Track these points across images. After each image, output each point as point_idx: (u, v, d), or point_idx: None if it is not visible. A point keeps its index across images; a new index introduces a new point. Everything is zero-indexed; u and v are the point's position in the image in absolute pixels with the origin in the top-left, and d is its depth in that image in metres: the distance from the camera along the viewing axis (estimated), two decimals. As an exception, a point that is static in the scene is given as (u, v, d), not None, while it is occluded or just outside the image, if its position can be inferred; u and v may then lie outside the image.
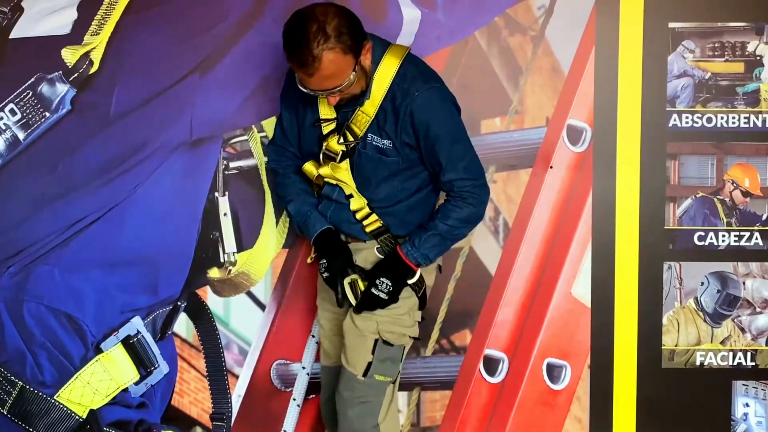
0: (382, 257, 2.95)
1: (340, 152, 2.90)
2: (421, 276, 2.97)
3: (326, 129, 2.90)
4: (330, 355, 3.15)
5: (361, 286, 2.93)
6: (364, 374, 2.95)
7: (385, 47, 2.84)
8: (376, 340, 2.95)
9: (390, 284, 2.90)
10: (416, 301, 2.99)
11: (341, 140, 2.88)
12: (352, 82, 2.73)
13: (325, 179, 2.96)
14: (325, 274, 2.98)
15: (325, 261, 2.97)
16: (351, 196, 2.95)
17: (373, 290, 2.90)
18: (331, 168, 2.93)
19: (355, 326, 2.96)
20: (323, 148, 2.92)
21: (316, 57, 2.63)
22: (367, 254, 2.99)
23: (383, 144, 2.86)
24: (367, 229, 2.96)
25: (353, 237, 3.00)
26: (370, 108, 2.83)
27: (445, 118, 2.85)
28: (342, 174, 2.93)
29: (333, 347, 3.13)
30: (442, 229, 2.89)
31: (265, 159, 3.31)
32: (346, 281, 2.93)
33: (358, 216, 2.96)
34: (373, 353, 2.95)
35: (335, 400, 3.03)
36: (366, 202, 2.94)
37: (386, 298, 2.90)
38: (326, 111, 2.89)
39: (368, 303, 2.92)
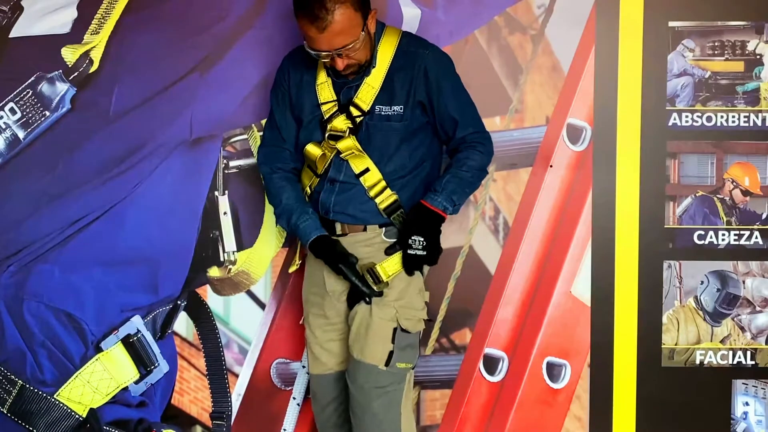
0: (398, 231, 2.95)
1: (347, 129, 2.91)
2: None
3: (328, 112, 2.91)
4: (323, 362, 3.10)
5: (381, 272, 2.93)
6: (386, 364, 2.94)
7: (383, 26, 2.93)
8: (395, 329, 2.94)
9: (423, 240, 2.89)
10: (422, 280, 3.00)
11: (347, 117, 2.90)
12: (361, 44, 2.77)
13: (341, 154, 2.93)
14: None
15: (330, 263, 2.97)
16: (364, 172, 2.94)
17: (409, 252, 2.90)
18: (351, 139, 2.93)
19: (370, 318, 2.93)
20: (327, 130, 2.92)
21: (329, 10, 2.68)
22: (369, 248, 2.97)
23: (393, 111, 2.90)
24: (381, 206, 2.95)
25: (354, 222, 2.98)
26: (376, 78, 2.88)
27: (455, 76, 2.96)
28: (359, 146, 2.94)
29: (328, 354, 3.09)
30: (459, 174, 2.93)
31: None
32: (362, 272, 2.93)
33: (372, 192, 2.94)
34: (393, 342, 2.94)
35: (352, 399, 2.99)
36: (380, 176, 2.94)
37: (424, 253, 2.90)
38: (326, 94, 2.91)
39: (411, 264, 2.92)
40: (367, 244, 2.98)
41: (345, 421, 3.11)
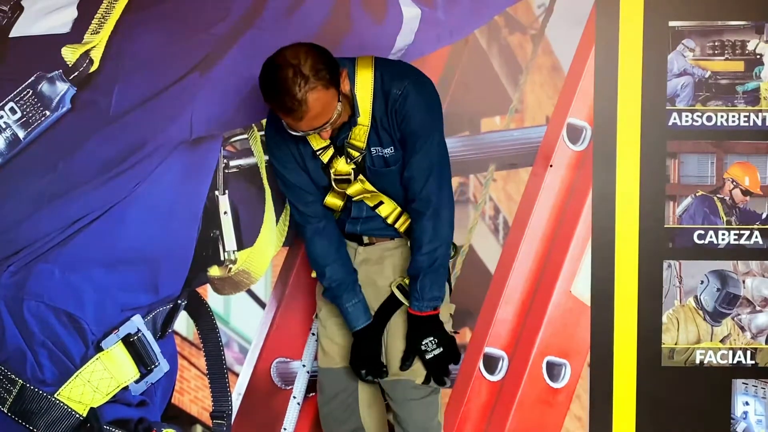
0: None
1: (351, 171, 2.89)
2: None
3: (325, 157, 2.88)
4: (332, 356, 3.11)
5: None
6: (425, 381, 2.97)
7: (354, 62, 2.84)
8: None
9: (433, 339, 2.91)
10: (446, 292, 3.02)
11: (348, 160, 2.88)
12: (340, 113, 2.73)
13: (354, 198, 2.94)
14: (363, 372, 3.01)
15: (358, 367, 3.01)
16: (378, 205, 2.96)
17: (428, 357, 2.92)
18: (360, 182, 2.91)
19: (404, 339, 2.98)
20: (332, 174, 2.91)
21: (301, 101, 2.62)
22: (396, 256, 3.00)
23: (387, 153, 2.86)
24: (401, 230, 2.98)
25: (381, 236, 3.01)
26: (363, 119, 2.83)
27: (419, 114, 2.82)
28: (367, 186, 2.93)
29: (337, 348, 3.10)
30: (423, 264, 2.88)
31: (266, 157, 3.31)
32: (393, 289, 2.98)
33: (390, 220, 2.97)
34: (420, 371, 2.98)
35: (395, 414, 3.03)
36: (395, 205, 2.95)
37: (442, 349, 2.92)
38: (318, 141, 2.87)
39: (436, 368, 2.94)
40: (394, 248, 3.01)
41: (348, 417, 3.12)
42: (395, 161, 2.87)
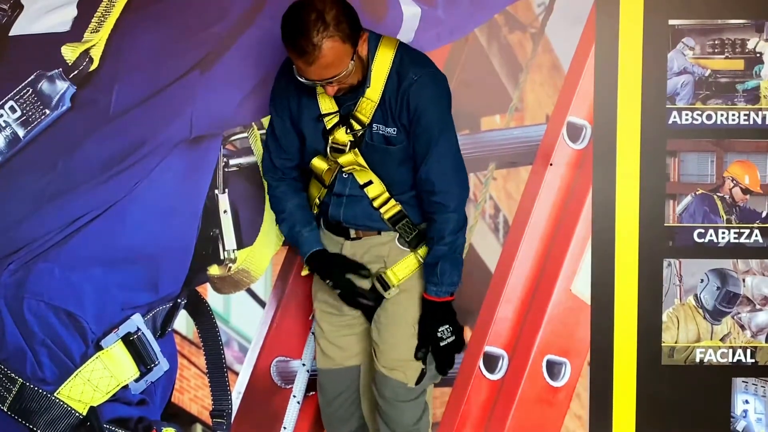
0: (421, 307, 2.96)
1: (348, 143, 2.89)
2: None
3: (330, 123, 2.89)
4: (330, 356, 3.12)
5: (392, 277, 2.96)
6: (417, 382, 2.98)
7: (378, 39, 2.86)
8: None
9: (449, 326, 2.92)
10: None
11: (348, 130, 2.88)
12: (351, 72, 2.74)
13: (344, 168, 2.93)
14: (338, 291, 3.00)
15: (329, 281, 3.00)
16: (367, 184, 2.94)
17: (442, 344, 2.92)
18: (354, 155, 2.91)
19: (405, 341, 2.96)
20: (329, 141, 2.91)
21: (316, 45, 2.64)
22: (384, 249, 2.99)
23: (389, 132, 2.87)
24: (386, 216, 2.96)
25: (367, 229, 2.99)
26: (373, 94, 2.84)
27: (435, 109, 2.85)
28: (359, 159, 2.92)
29: (335, 349, 3.11)
30: (444, 252, 2.89)
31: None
32: (372, 280, 2.98)
33: (376, 203, 2.95)
34: (425, 363, 2.97)
35: (380, 409, 3.03)
36: (383, 188, 2.94)
37: (455, 338, 2.92)
38: (327, 105, 2.89)
39: (444, 356, 2.94)
40: (381, 244, 3.00)
41: (351, 415, 3.13)
42: (397, 142, 2.87)
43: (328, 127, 2.89)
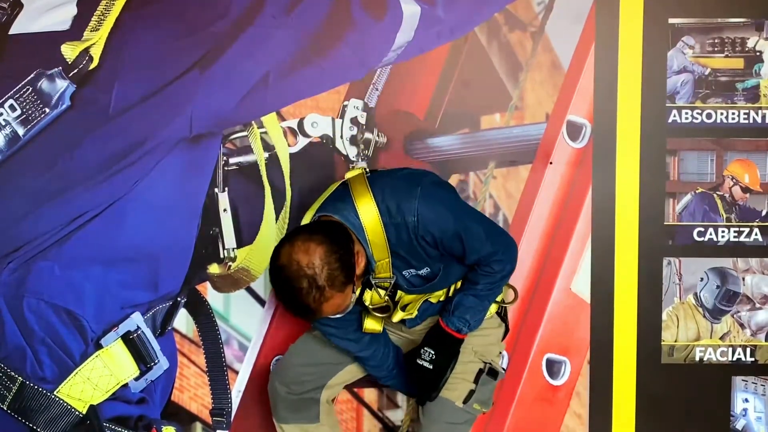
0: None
1: (387, 299, 2.87)
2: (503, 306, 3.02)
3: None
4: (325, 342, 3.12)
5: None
6: (465, 401, 2.96)
7: (351, 201, 2.76)
8: (481, 370, 2.97)
9: (433, 352, 2.88)
10: (503, 331, 3.05)
11: (380, 294, 2.85)
12: (354, 299, 2.72)
13: (405, 318, 2.94)
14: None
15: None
16: (427, 299, 2.95)
17: (417, 361, 2.89)
18: (399, 310, 2.90)
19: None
20: (369, 307, 2.89)
21: (316, 310, 2.62)
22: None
23: (423, 273, 2.83)
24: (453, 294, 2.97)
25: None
26: (382, 255, 2.77)
27: (447, 218, 2.76)
28: (407, 298, 2.91)
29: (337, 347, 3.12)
30: (471, 292, 2.87)
31: (266, 155, 3.31)
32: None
33: (442, 299, 2.96)
34: (476, 382, 2.97)
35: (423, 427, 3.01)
36: (443, 291, 2.94)
37: (430, 367, 2.88)
38: None
39: (417, 376, 2.91)
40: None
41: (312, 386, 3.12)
42: (434, 275, 2.84)
43: (350, 307, 2.78)
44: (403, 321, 3.00)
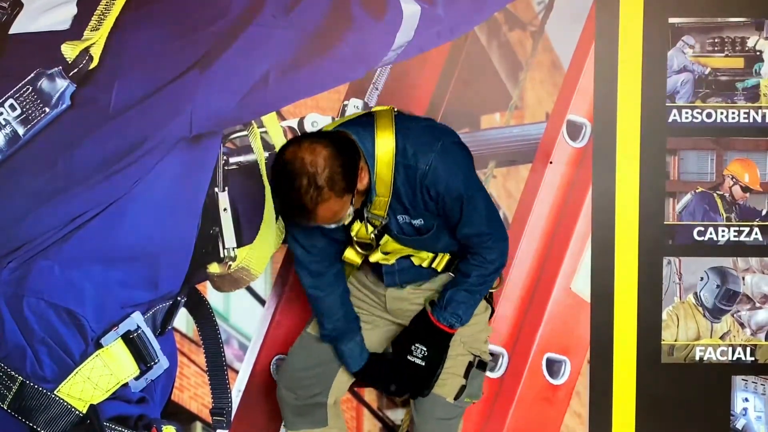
0: (414, 325, 2.92)
1: (373, 237, 2.85)
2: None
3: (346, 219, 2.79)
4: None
5: None
6: (456, 398, 2.96)
7: (372, 130, 2.73)
8: (471, 363, 2.96)
9: (425, 349, 2.86)
10: (489, 313, 3.02)
11: (368, 229, 2.83)
12: (352, 213, 2.69)
13: (381, 262, 2.91)
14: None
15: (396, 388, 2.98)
16: (409, 256, 2.92)
17: (408, 357, 2.87)
18: (380, 251, 2.87)
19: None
20: (354, 238, 2.86)
21: (311, 210, 2.57)
22: (435, 284, 2.98)
23: (417, 223, 2.80)
24: (439, 268, 2.94)
25: (422, 283, 2.97)
26: (383, 191, 2.74)
27: (456, 184, 2.73)
28: (391, 246, 2.88)
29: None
30: (464, 287, 2.86)
31: (266, 154, 3.32)
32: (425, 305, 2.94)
33: (425, 264, 2.93)
34: (466, 377, 2.96)
35: (415, 427, 3.01)
36: (428, 256, 2.92)
37: (422, 364, 2.87)
38: None
39: (407, 373, 2.88)
40: (433, 283, 2.98)
41: (319, 390, 3.10)
42: (428, 228, 2.81)
43: (346, 222, 2.77)
44: (380, 278, 2.95)
